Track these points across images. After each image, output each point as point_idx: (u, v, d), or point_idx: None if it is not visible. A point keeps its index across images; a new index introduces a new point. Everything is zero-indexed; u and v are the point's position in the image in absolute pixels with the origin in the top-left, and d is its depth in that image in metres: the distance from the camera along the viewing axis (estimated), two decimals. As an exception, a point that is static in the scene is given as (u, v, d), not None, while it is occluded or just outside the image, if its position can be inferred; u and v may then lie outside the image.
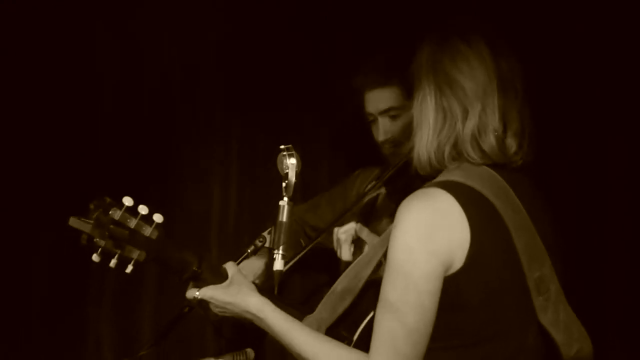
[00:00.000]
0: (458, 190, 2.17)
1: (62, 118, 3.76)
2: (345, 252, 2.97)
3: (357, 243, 2.97)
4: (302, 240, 3.33)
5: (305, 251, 3.00)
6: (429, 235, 2.13)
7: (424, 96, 2.28)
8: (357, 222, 3.08)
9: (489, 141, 2.23)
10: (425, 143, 2.27)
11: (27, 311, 3.78)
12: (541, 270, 2.24)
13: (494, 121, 2.23)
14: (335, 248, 3.06)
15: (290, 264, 2.92)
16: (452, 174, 2.24)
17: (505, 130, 2.25)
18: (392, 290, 2.14)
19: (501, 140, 2.25)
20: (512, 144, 2.26)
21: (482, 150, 2.24)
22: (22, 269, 3.76)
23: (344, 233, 2.98)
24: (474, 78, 2.24)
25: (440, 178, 2.25)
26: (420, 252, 2.12)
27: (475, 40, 2.26)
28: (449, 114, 2.24)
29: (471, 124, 2.23)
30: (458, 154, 2.25)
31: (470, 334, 2.19)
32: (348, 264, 2.91)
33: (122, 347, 3.82)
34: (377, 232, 3.07)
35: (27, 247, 3.76)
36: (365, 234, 2.96)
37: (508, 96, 2.26)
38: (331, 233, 3.12)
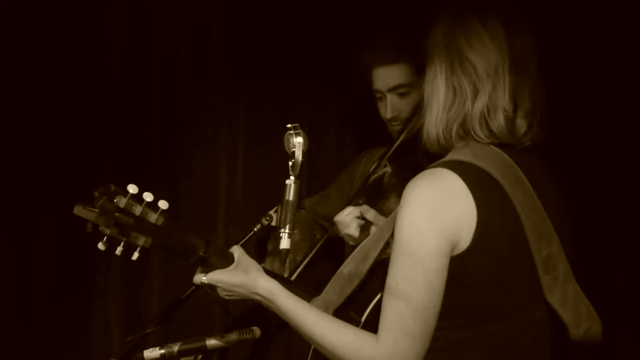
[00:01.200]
0: (465, 170, 2.17)
1: (69, 92, 3.77)
2: (352, 235, 2.97)
3: (364, 224, 2.96)
4: (315, 232, 3.33)
5: (320, 242, 3.04)
6: (436, 215, 2.13)
7: (435, 73, 2.27)
8: (364, 202, 3.07)
9: (498, 121, 2.22)
10: (435, 120, 2.27)
11: (34, 290, 3.80)
12: (549, 249, 2.23)
13: (504, 101, 2.22)
14: (341, 235, 3.06)
15: (308, 258, 2.97)
16: (460, 154, 2.23)
17: (515, 111, 2.24)
18: (399, 270, 2.14)
19: (510, 121, 2.24)
20: (522, 124, 2.25)
21: (490, 130, 2.23)
22: (29, 248, 3.79)
23: (346, 217, 2.98)
24: (486, 57, 2.22)
25: (448, 158, 2.25)
26: (427, 231, 2.12)
27: (490, 19, 2.25)
28: (459, 91, 2.24)
29: (480, 103, 2.22)
30: (466, 133, 2.25)
31: (477, 313, 2.19)
32: (354, 246, 2.92)
33: (129, 324, 3.84)
34: (384, 210, 3.07)
35: (33, 225, 3.78)
36: (372, 215, 2.96)
37: (520, 76, 2.24)
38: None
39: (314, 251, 3.00)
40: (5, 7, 3.64)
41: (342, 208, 3.06)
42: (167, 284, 3.81)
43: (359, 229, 2.93)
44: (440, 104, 2.26)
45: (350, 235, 2.94)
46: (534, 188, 2.24)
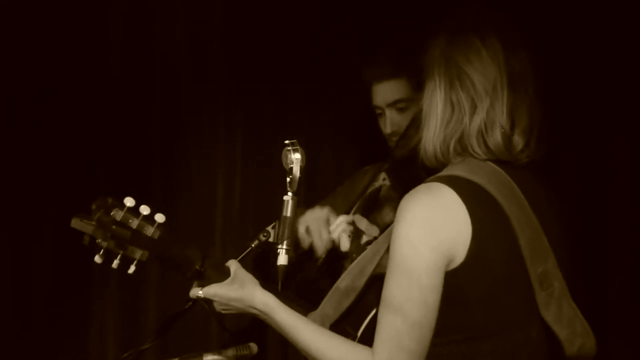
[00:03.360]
0: (460, 185, 2.18)
1: (69, 92, 3.78)
2: (343, 243, 2.97)
3: (356, 233, 2.96)
4: None
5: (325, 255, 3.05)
6: (431, 230, 2.13)
7: (434, 88, 2.27)
8: (358, 213, 3.07)
9: (495, 137, 2.23)
10: (432, 135, 2.27)
11: (31, 302, 3.80)
12: (544, 265, 2.23)
13: (501, 118, 2.23)
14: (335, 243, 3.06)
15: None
16: (456, 169, 2.24)
17: (512, 128, 2.25)
18: (394, 286, 2.14)
19: (507, 138, 2.24)
20: (519, 141, 2.25)
21: (487, 146, 2.24)
22: (25, 260, 3.79)
23: (338, 227, 2.98)
24: (484, 73, 2.23)
25: (443, 172, 2.25)
26: (422, 247, 2.12)
27: (489, 35, 2.25)
28: (457, 107, 2.24)
29: (478, 119, 2.22)
30: (463, 149, 2.25)
31: (473, 329, 2.19)
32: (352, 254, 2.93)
33: (126, 339, 3.84)
34: (378, 222, 3.07)
35: (30, 237, 3.78)
36: (364, 225, 2.96)
37: (518, 93, 2.25)
38: None
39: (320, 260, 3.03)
40: (5, 7, 3.65)
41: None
42: (164, 297, 3.81)
43: (349, 238, 2.94)
44: (438, 119, 2.26)
45: (341, 243, 2.95)
46: (531, 204, 2.24)
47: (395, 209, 3.14)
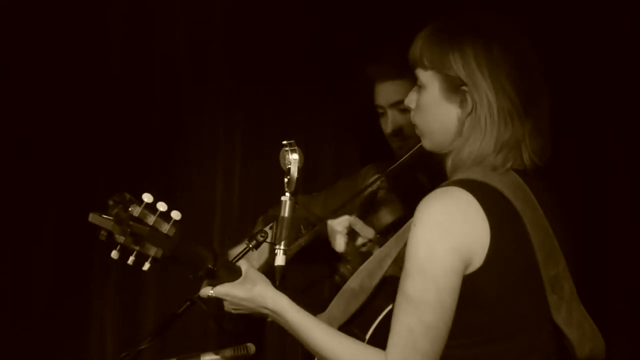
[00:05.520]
0: (477, 189, 2.16)
1: (69, 93, 3.80)
2: (339, 244, 2.96)
3: (351, 235, 2.96)
4: (302, 227, 3.31)
5: (306, 239, 3.01)
6: (449, 233, 2.12)
7: (487, 98, 2.20)
8: (355, 214, 3.07)
9: (538, 145, 2.22)
10: (486, 143, 2.21)
11: (31, 302, 3.80)
12: (556, 268, 2.23)
13: (544, 124, 2.23)
14: (329, 239, 3.05)
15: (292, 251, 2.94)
16: (471, 172, 2.22)
17: (546, 134, 2.25)
18: (411, 288, 2.13)
19: (546, 145, 2.24)
20: (548, 147, 2.26)
21: (528, 154, 2.22)
22: (25, 260, 3.79)
23: (339, 224, 2.97)
24: (531, 78, 2.21)
25: (459, 176, 2.23)
26: (440, 249, 2.11)
27: (525, 41, 2.25)
28: (510, 115, 2.19)
29: (528, 125, 2.20)
30: (514, 157, 2.22)
31: (487, 331, 2.18)
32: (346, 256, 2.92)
33: (125, 339, 3.84)
34: (374, 224, 3.08)
35: (30, 237, 3.78)
36: (359, 226, 2.96)
37: (547, 99, 2.25)
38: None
39: (298, 244, 3.00)
40: (5, 7, 3.65)
41: (334, 212, 3.05)
42: (163, 298, 3.82)
43: (345, 239, 2.93)
44: (494, 127, 2.20)
45: (337, 243, 2.95)
46: (541, 207, 2.24)
47: (392, 211, 3.17)
